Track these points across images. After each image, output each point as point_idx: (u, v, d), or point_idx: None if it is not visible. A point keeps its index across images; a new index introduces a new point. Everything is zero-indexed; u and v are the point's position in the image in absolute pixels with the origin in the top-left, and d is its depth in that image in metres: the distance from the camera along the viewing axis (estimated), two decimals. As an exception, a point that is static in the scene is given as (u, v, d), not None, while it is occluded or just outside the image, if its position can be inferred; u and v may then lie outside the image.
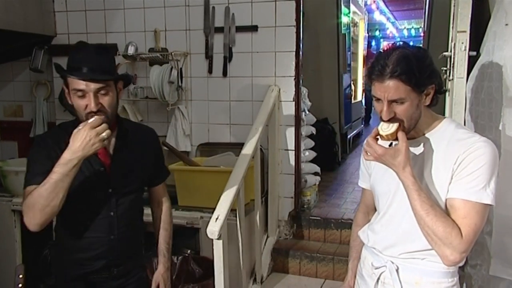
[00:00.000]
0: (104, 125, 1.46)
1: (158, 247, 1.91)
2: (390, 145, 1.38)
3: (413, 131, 1.41)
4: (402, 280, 1.42)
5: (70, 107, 1.61)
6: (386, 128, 1.33)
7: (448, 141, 1.35)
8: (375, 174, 1.55)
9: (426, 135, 1.41)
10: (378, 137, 1.37)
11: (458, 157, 1.31)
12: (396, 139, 1.33)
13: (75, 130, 1.46)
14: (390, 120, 1.34)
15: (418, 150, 1.41)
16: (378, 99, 1.34)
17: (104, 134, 1.46)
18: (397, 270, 1.43)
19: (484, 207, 1.28)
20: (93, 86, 1.51)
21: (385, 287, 1.46)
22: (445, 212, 1.32)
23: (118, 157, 1.68)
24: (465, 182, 1.28)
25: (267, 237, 3.30)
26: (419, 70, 1.29)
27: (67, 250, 1.68)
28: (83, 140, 1.42)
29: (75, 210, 1.61)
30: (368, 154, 1.39)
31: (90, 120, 1.46)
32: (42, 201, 1.43)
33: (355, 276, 1.68)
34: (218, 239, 2.25)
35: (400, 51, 1.30)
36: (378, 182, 1.53)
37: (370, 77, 1.34)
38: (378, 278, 1.48)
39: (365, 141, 1.39)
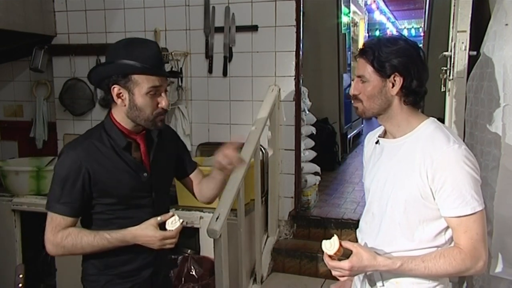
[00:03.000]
0: (175, 240, 1.45)
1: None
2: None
3: (394, 131, 1.41)
4: (384, 279, 1.42)
5: (105, 102, 1.54)
6: (331, 247, 1.32)
7: (423, 143, 1.33)
8: (366, 167, 1.57)
9: (406, 135, 1.39)
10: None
11: (431, 168, 1.29)
12: (340, 250, 1.33)
13: (152, 226, 1.42)
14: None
15: (396, 150, 1.40)
16: None
17: (168, 246, 1.45)
18: None
19: (480, 214, 1.29)
20: (165, 83, 1.54)
21: (370, 284, 1.47)
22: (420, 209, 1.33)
23: (157, 160, 1.61)
24: (451, 201, 1.28)
25: (267, 237, 3.30)
26: (380, 50, 1.33)
27: (109, 265, 1.53)
28: (148, 241, 1.43)
29: (120, 221, 1.50)
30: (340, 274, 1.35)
31: (176, 227, 1.44)
32: (75, 251, 1.45)
33: None
34: (218, 238, 2.25)
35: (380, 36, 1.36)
36: (366, 176, 1.54)
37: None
38: (364, 275, 1.48)
39: (331, 269, 1.36)
